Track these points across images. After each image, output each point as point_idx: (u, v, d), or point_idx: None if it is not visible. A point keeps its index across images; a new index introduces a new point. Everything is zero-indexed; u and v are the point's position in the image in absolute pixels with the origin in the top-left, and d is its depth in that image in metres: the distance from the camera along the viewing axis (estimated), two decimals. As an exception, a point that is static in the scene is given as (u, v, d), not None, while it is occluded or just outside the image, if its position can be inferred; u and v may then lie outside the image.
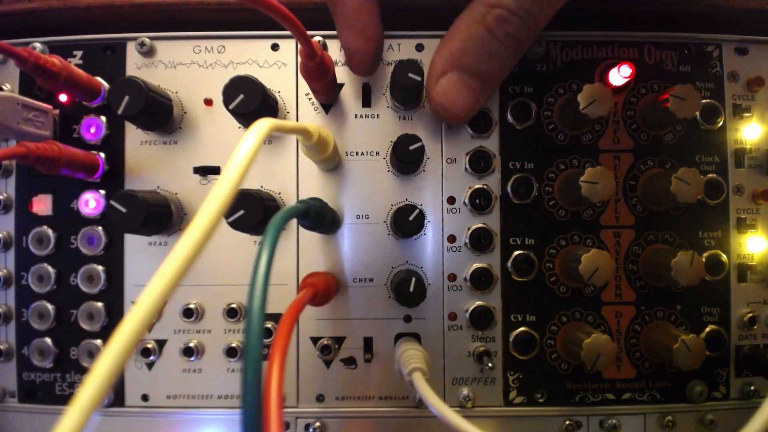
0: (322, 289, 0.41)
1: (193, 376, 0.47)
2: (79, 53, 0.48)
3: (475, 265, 0.47)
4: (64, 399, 0.47)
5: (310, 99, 0.48)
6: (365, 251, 0.47)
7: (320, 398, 0.47)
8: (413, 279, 0.43)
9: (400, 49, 0.48)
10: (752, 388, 0.47)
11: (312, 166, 0.47)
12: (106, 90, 0.46)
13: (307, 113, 0.48)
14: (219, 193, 0.22)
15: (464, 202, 0.47)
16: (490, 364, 0.45)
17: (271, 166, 0.47)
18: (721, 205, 0.48)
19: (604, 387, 0.48)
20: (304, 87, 0.47)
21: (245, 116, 0.41)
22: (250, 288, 0.23)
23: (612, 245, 0.48)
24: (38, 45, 0.47)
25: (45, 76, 0.40)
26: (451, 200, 0.47)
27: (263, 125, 0.27)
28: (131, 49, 0.47)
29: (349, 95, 0.48)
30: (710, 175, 0.47)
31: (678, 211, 0.48)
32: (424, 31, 0.47)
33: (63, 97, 0.47)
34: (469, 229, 0.47)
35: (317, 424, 0.47)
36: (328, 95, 0.47)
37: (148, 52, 0.47)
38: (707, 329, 0.47)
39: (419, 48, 0.48)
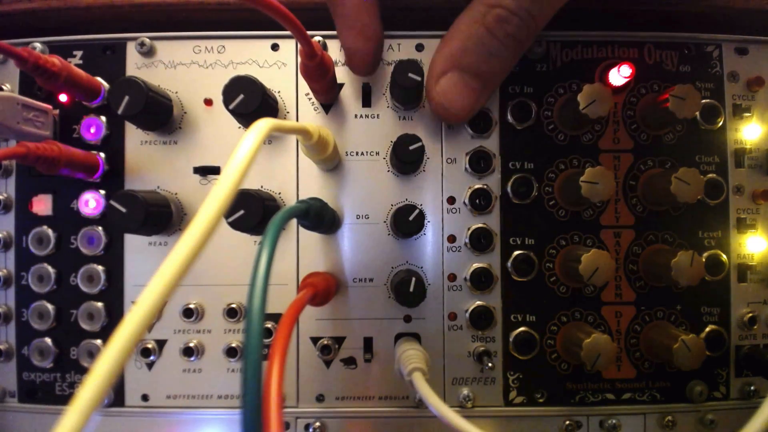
0: (322, 289, 0.41)
1: (193, 376, 0.47)
2: (79, 53, 0.48)
3: (475, 265, 0.47)
4: (64, 399, 0.47)
5: (310, 99, 0.48)
6: (365, 251, 0.47)
7: (320, 398, 0.47)
8: (413, 279, 0.43)
9: (400, 49, 0.48)
10: (752, 388, 0.47)
11: (312, 166, 0.47)
12: (106, 90, 0.46)
13: (307, 113, 0.48)
14: (219, 193, 0.22)
15: (464, 202, 0.47)
16: (490, 364, 0.45)
17: (271, 166, 0.47)
18: (721, 205, 0.48)
19: (604, 387, 0.48)
20: (304, 87, 0.47)
21: (245, 116, 0.41)
22: (250, 288, 0.23)
23: (612, 245, 0.48)
24: (38, 45, 0.47)
25: (45, 76, 0.40)
26: (451, 200, 0.47)
27: (263, 125, 0.27)
28: (131, 49, 0.47)
29: (349, 95, 0.48)
30: (710, 175, 0.47)
31: (678, 211, 0.48)
32: (424, 31, 0.47)
33: (63, 97, 0.47)
34: (469, 229, 0.47)
35: (317, 424, 0.47)
36: (328, 95, 0.47)
37: (148, 52, 0.47)
38: (707, 329, 0.47)
39: (419, 48, 0.48)
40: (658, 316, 0.47)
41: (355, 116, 0.48)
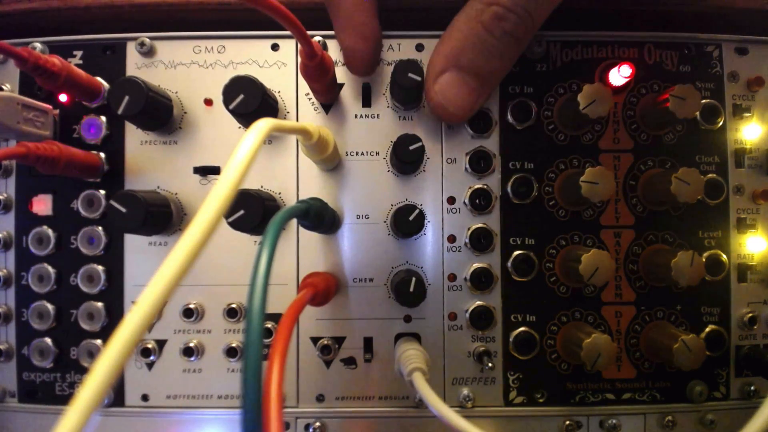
0: (322, 289, 0.41)
1: (193, 376, 0.47)
2: (79, 53, 0.48)
3: (475, 265, 0.47)
4: (64, 399, 0.47)
5: (310, 99, 0.48)
6: (365, 251, 0.47)
7: (320, 398, 0.47)
8: (413, 279, 0.43)
9: (400, 49, 0.48)
10: (752, 388, 0.47)
11: (312, 166, 0.47)
12: (106, 90, 0.46)
13: (307, 113, 0.48)
14: (219, 193, 0.22)
15: (464, 202, 0.47)
16: (490, 364, 0.45)
17: (271, 166, 0.47)
18: (721, 205, 0.48)
19: (604, 387, 0.47)
20: (304, 87, 0.47)
21: (245, 116, 0.41)
22: (250, 288, 0.23)
23: (612, 245, 0.48)
24: (38, 45, 0.47)
25: (45, 76, 0.40)
26: (451, 200, 0.47)
27: (263, 125, 0.27)
28: (131, 49, 0.47)
29: (349, 95, 0.48)
30: (710, 175, 0.47)
31: (678, 211, 0.48)
32: (424, 31, 0.47)
33: (63, 97, 0.47)
34: (469, 229, 0.47)
35: (317, 424, 0.47)
36: (328, 95, 0.47)
37: (148, 52, 0.47)
38: (707, 329, 0.47)
39: (419, 48, 0.48)
40: (658, 316, 0.47)
41: (355, 116, 0.48)
